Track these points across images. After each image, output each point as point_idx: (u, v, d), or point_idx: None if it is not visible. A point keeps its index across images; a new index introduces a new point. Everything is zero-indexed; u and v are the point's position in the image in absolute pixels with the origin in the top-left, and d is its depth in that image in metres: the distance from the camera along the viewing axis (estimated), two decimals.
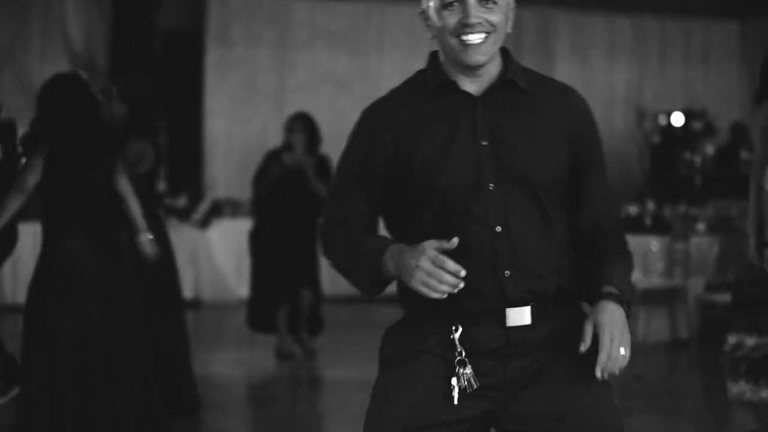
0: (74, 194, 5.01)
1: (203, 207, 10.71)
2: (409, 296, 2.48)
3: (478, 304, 2.46)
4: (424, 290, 2.38)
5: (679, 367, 7.62)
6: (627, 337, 2.43)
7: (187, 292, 10.64)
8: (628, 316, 2.48)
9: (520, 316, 2.48)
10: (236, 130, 12.21)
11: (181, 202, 10.63)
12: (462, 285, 2.38)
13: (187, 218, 10.60)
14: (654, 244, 8.57)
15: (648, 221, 9.05)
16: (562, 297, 2.52)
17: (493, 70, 2.56)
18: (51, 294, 5.00)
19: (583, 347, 2.41)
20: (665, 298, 8.30)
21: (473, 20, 2.47)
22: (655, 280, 8.43)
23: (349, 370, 7.58)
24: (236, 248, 10.72)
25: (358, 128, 2.61)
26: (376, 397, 2.56)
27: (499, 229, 2.47)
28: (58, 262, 5.00)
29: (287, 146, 7.81)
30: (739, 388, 5.31)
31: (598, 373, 2.39)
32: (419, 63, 2.58)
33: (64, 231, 5.02)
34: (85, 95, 5.13)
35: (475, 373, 2.46)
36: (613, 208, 2.66)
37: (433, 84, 2.57)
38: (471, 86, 2.55)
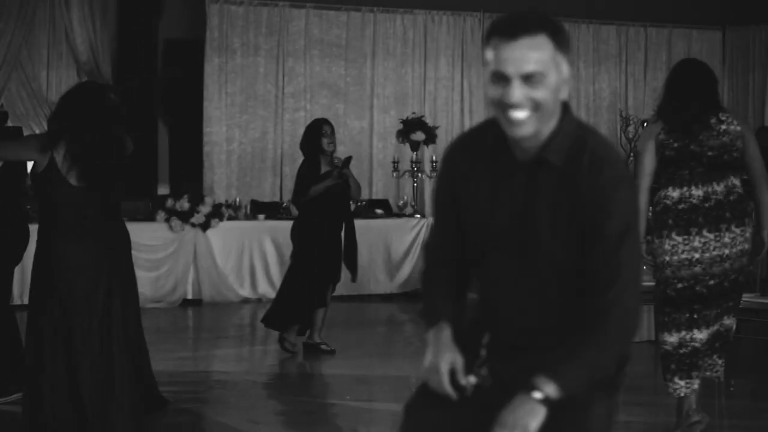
0: (71, 197, 5.00)
1: (204, 209, 10.86)
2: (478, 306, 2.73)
3: None
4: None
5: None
6: (522, 423, 2.43)
7: (189, 291, 10.74)
8: (548, 401, 2.45)
9: None
10: (235, 136, 12.26)
11: (183, 204, 10.78)
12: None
13: (188, 220, 10.76)
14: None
15: None
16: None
17: (541, 138, 2.52)
18: (47, 296, 5.04)
19: None
20: (649, 296, 8.45)
21: (514, 100, 2.43)
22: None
23: (346, 367, 7.65)
24: (235, 249, 10.84)
25: (440, 163, 2.76)
26: None
27: (493, 295, 2.65)
28: (54, 264, 5.01)
29: (320, 150, 7.91)
30: (674, 385, 5.42)
31: None
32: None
33: (59, 233, 5.03)
34: (101, 103, 5.13)
35: (489, 372, 2.64)
36: (610, 288, 2.49)
37: (491, 140, 2.59)
38: (520, 151, 2.56)
